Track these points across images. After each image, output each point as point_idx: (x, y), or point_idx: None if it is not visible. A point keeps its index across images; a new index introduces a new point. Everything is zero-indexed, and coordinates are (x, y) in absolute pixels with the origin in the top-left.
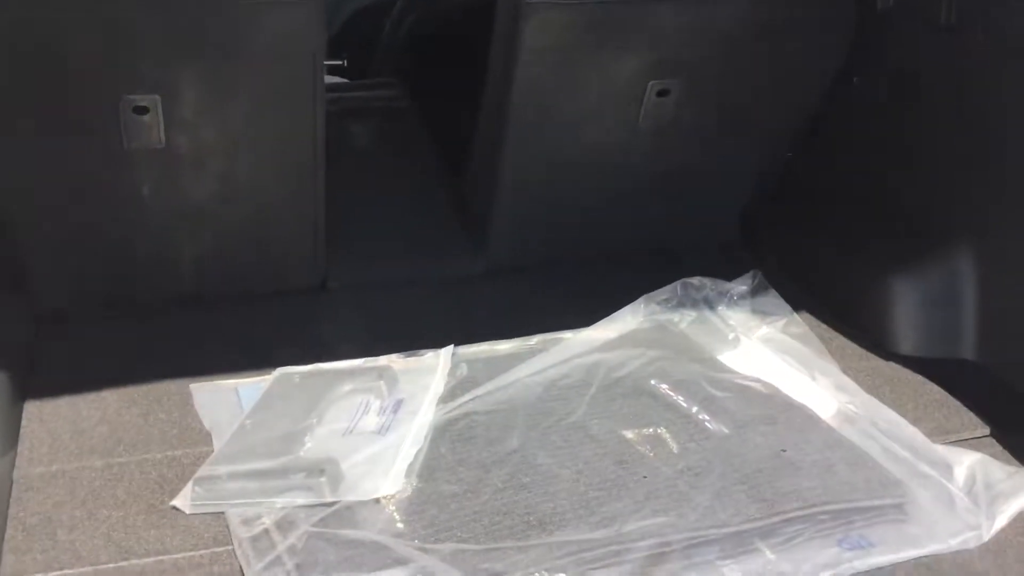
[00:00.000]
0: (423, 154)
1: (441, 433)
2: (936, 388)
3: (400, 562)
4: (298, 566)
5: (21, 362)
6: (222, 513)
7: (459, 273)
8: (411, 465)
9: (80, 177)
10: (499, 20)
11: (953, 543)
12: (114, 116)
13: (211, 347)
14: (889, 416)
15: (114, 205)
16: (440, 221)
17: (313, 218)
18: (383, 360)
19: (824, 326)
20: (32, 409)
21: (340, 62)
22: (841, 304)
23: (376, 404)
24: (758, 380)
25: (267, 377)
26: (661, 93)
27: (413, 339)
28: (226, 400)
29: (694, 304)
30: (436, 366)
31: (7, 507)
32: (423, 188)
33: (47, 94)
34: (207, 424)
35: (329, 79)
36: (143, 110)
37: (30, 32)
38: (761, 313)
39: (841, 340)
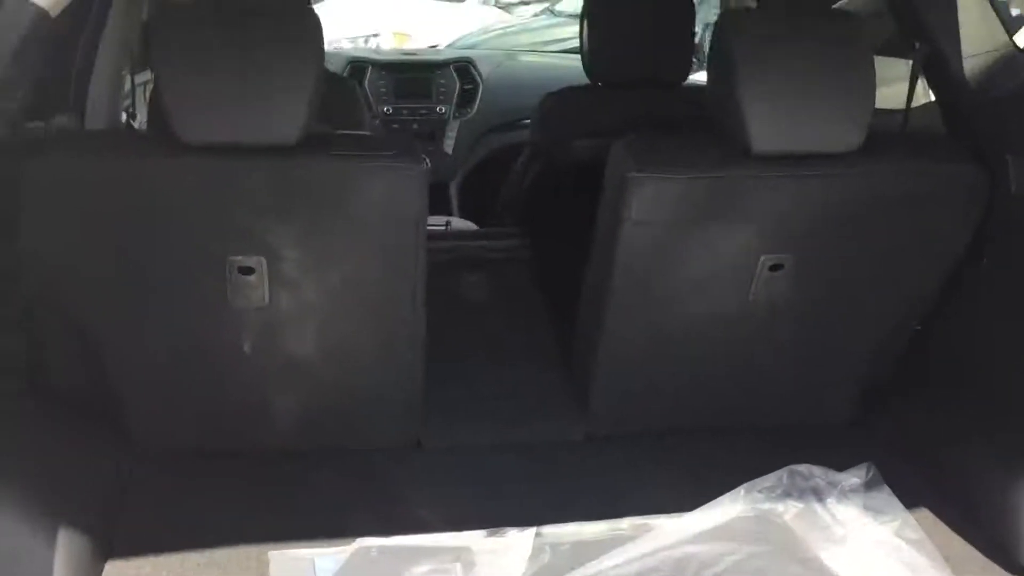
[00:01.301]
0: (535, 310)
1: None
2: None
3: None
4: None
5: (109, 508)
6: None
7: (557, 439)
8: None
9: (185, 332)
10: (607, 188)
11: None
12: (220, 276)
13: (298, 505)
14: None
15: (215, 359)
16: (543, 382)
17: (410, 377)
18: (465, 537)
19: (945, 528)
20: (112, 569)
21: (443, 226)
22: (965, 505)
23: None
24: None
25: (346, 548)
26: (774, 268)
27: (501, 510)
28: (302, 572)
29: (801, 495)
30: (518, 549)
31: None
32: (529, 346)
33: (158, 254)
34: None
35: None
36: (249, 270)
37: (140, 189)
38: (873, 511)
39: (962, 547)
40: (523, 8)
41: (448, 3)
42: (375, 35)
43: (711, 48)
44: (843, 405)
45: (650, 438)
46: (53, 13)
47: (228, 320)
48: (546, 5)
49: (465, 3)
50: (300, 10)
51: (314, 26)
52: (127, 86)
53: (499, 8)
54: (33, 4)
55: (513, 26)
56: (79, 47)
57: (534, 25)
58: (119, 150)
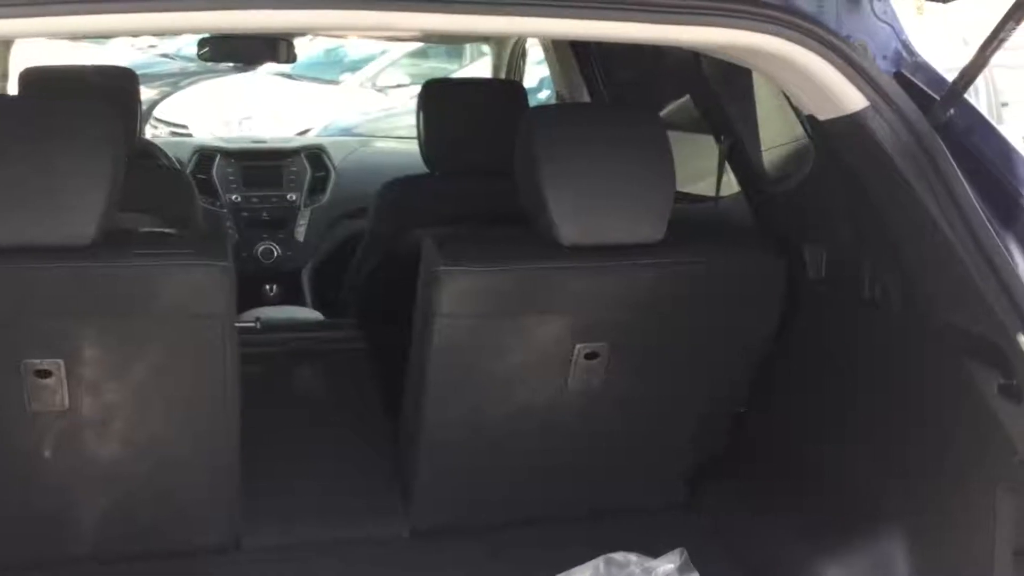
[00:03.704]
0: (367, 403)
1: None
2: None
3: None
4: None
5: None
6: None
7: (381, 536)
8: None
9: None
10: (420, 282)
11: None
12: (17, 380)
13: None
14: None
15: (13, 466)
16: (369, 477)
17: (227, 475)
18: None
19: None
20: None
21: (253, 323)
22: None
23: None
24: None
25: None
26: (589, 356)
27: None
28: None
29: None
30: None
31: None
32: (357, 439)
33: None
34: None
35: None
36: (46, 374)
37: None
38: None
39: None
40: (399, 91)
41: (323, 85)
42: (247, 118)
43: (516, 144)
44: (665, 492)
45: (474, 532)
46: None
47: (25, 426)
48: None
49: (341, 85)
50: (94, 107)
51: (114, 123)
52: None
53: (376, 91)
54: None
55: (392, 109)
56: None
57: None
58: None
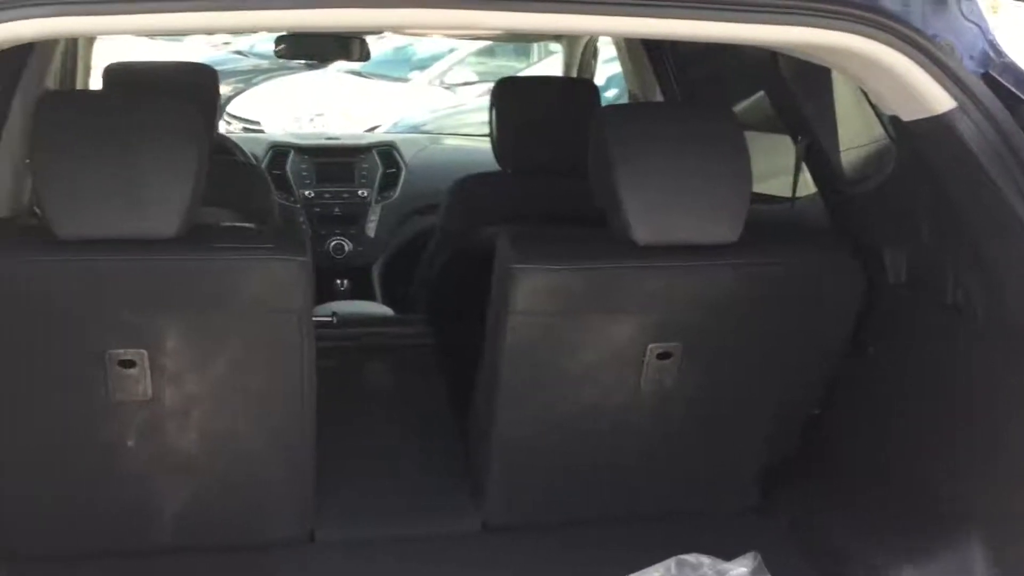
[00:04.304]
0: (436, 398)
1: None
2: None
3: None
4: None
5: None
6: None
7: (453, 531)
8: None
9: (65, 428)
10: (494, 278)
11: None
12: (101, 370)
13: None
14: None
15: (97, 455)
16: (440, 473)
17: (302, 469)
18: None
19: None
20: None
21: (329, 318)
22: None
23: None
24: None
25: None
26: (662, 356)
27: None
28: None
29: None
30: None
31: None
32: (428, 435)
33: (36, 349)
34: None
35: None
36: (130, 364)
37: (15, 285)
38: None
39: None
40: (468, 88)
41: (392, 83)
42: (319, 115)
43: (591, 143)
44: (737, 494)
45: (545, 528)
46: None
47: (110, 415)
48: (490, 86)
49: (410, 83)
50: (180, 103)
51: (197, 119)
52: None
53: (444, 88)
54: None
55: (460, 107)
56: None
57: (479, 106)
58: None
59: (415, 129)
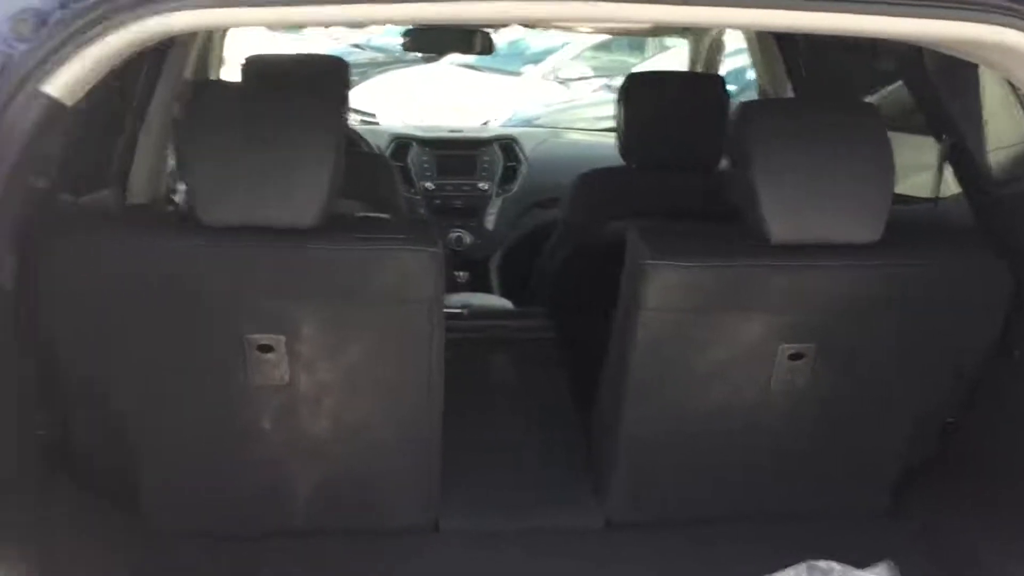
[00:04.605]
0: (558, 392)
1: None
2: None
3: None
4: None
5: None
6: None
7: (576, 525)
8: None
9: (205, 410)
10: (624, 274)
11: None
12: (240, 354)
13: None
14: None
15: (234, 437)
16: (562, 466)
17: (428, 458)
18: None
19: None
20: None
21: (460, 309)
22: None
23: None
24: None
25: None
26: (794, 357)
27: None
28: None
29: None
30: None
31: None
32: (553, 428)
33: (178, 332)
34: None
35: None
36: (268, 348)
37: (162, 269)
38: None
39: None
40: (581, 83)
41: (506, 76)
42: (433, 107)
43: (729, 138)
44: (869, 497)
45: (670, 527)
46: (69, 102)
47: (247, 398)
48: (604, 81)
49: (523, 77)
50: (323, 95)
51: (336, 110)
52: (171, 162)
53: (558, 83)
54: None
55: (574, 101)
56: (124, 120)
57: (593, 101)
58: (139, 230)
59: (528, 123)
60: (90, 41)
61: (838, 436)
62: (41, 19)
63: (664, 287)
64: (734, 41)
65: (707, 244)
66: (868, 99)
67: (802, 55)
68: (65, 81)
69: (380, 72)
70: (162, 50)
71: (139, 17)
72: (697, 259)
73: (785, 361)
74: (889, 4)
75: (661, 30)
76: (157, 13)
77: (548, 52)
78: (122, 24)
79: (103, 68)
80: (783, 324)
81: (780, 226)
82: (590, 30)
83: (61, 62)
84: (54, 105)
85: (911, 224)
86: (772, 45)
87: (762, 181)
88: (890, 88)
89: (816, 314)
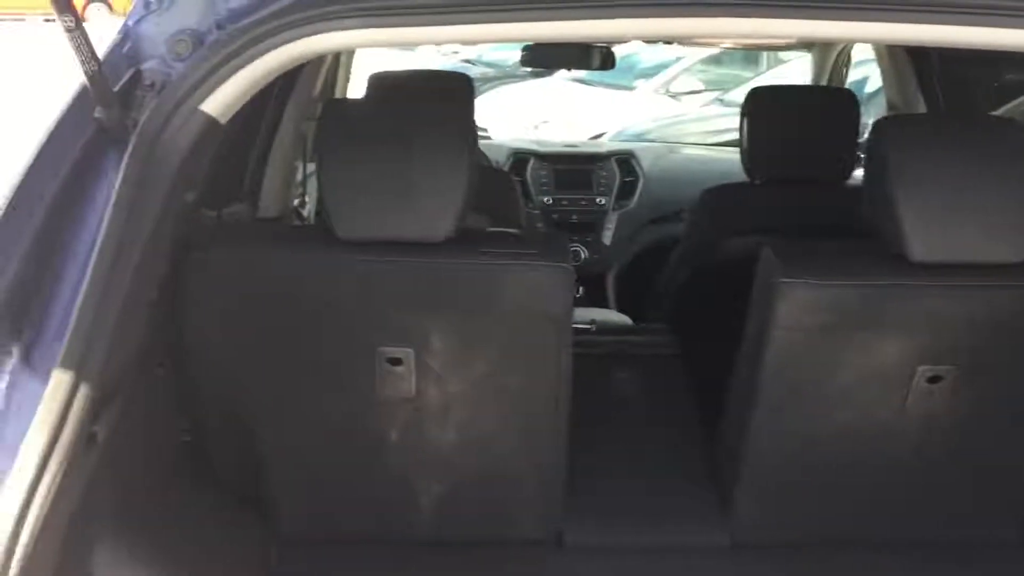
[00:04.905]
0: (682, 409)
1: None
2: None
3: None
4: None
5: None
6: None
7: (700, 543)
8: None
9: (335, 420)
10: (755, 291)
11: None
12: (370, 366)
13: None
14: None
15: (362, 447)
16: (687, 484)
17: (552, 473)
18: None
19: None
20: None
21: (588, 325)
22: None
23: None
24: None
25: None
26: (932, 380)
27: None
28: None
29: None
30: None
31: None
32: (677, 445)
33: (312, 344)
34: None
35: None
36: (397, 362)
37: (299, 282)
38: None
39: None
40: (692, 97)
41: (618, 91)
42: (544, 122)
43: (867, 153)
44: (1003, 525)
45: (795, 548)
46: (223, 120)
47: (376, 409)
48: (716, 95)
49: (635, 91)
50: (454, 110)
51: (467, 125)
52: (299, 176)
53: (669, 97)
54: (204, 113)
55: (683, 116)
56: (257, 137)
57: (703, 115)
58: (277, 244)
59: (639, 138)
60: (245, 62)
61: (972, 462)
62: (198, 40)
63: (797, 305)
64: (855, 53)
65: (843, 262)
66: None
67: (936, 70)
68: (221, 100)
69: (491, 87)
70: (294, 68)
71: (292, 39)
72: (833, 277)
73: (923, 384)
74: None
75: (784, 44)
76: (309, 35)
77: (660, 66)
78: (276, 45)
79: (254, 87)
80: (922, 345)
81: (922, 244)
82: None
83: (218, 82)
84: (210, 123)
85: None
86: (904, 58)
87: (904, 197)
88: (1020, 100)
89: (957, 335)
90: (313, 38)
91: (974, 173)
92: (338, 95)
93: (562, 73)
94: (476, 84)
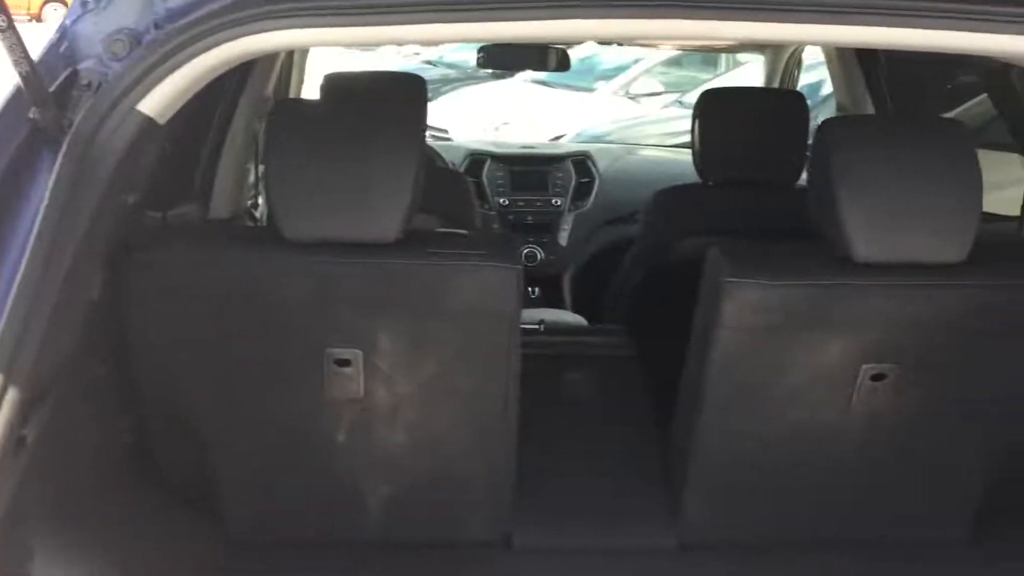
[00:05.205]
0: (634, 411)
1: None
2: None
3: None
4: None
5: None
6: None
7: (649, 545)
8: None
9: (282, 422)
10: (702, 292)
11: None
12: (318, 368)
13: None
14: None
15: (309, 449)
16: (637, 485)
17: (502, 473)
18: None
19: None
20: None
21: (536, 325)
22: None
23: None
24: None
25: None
26: (876, 378)
27: None
28: None
29: None
30: None
31: None
32: (630, 446)
33: (259, 345)
34: None
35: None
36: (345, 363)
37: (246, 283)
38: None
39: None
40: (652, 99)
41: (578, 93)
42: (505, 124)
43: (812, 154)
44: (951, 524)
45: (743, 550)
46: (161, 120)
47: (323, 411)
48: (676, 97)
49: (595, 93)
50: (404, 111)
51: (417, 127)
52: (251, 177)
53: (629, 99)
54: (141, 113)
55: (642, 117)
56: (208, 136)
57: (663, 117)
58: (222, 244)
59: (598, 139)
60: (183, 61)
61: (918, 461)
62: (136, 39)
63: (743, 306)
64: (807, 56)
65: (788, 262)
66: (948, 115)
67: (883, 71)
68: (158, 100)
69: (452, 89)
70: (245, 67)
71: (230, 38)
72: (779, 277)
73: (867, 382)
74: (979, 20)
75: (739, 46)
76: (248, 34)
77: (620, 68)
78: (214, 44)
79: (195, 87)
80: (866, 344)
81: (866, 244)
82: (668, 46)
83: (155, 82)
84: (147, 123)
85: (995, 243)
86: (853, 61)
87: (848, 198)
88: (970, 103)
89: (900, 334)
90: (252, 37)
91: (918, 174)
92: (292, 95)
93: (523, 75)
94: (437, 85)
